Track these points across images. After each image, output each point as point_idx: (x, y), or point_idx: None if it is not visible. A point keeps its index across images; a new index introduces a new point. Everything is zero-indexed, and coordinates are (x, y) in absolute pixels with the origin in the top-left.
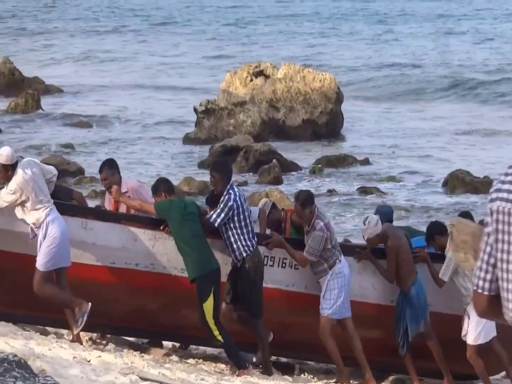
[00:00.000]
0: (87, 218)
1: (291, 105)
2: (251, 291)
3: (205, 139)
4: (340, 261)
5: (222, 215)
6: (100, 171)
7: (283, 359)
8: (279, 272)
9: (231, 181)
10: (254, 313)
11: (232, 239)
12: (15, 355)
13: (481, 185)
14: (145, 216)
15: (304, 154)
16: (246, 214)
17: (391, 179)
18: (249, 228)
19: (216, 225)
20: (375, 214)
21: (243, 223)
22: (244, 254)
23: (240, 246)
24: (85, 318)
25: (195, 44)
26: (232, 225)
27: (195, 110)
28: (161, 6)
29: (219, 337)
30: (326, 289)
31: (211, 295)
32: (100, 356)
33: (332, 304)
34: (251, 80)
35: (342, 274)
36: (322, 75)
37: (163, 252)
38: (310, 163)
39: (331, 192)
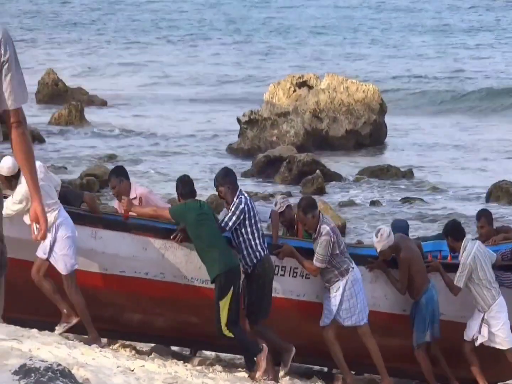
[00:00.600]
0: (96, 227)
1: (334, 115)
2: (258, 296)
3: (248, 149)
4: (353, 268)
5: (234, 218)
6: (109, 179)
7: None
8: (291, 281)
9: (239, 188)
10: (258, 317)
11: (243, 245)
12: (59, 364)
13: None
14: (155, 225)
15: (347, 165)
16: (257, 218)
17: (435, 189)
18: (260, 233)
19: (228, 229)
20: (391, 227)
21: (254, 228)
22: (255, 260)
23: (251, 252)
24: (66, 329)
25: (237, 54)
26: (243, 230)
27: (238, 120)
28: (204, 18)
29: (228, 333)
30: (343, 298)
31: (229, 293)
32: (143, 366)
33: (354, 312)
34: (294, 90)
35: (357, 282)
36: (366, 85)
37: (173, 261)
38: (353, 174)
39: (374, 203)
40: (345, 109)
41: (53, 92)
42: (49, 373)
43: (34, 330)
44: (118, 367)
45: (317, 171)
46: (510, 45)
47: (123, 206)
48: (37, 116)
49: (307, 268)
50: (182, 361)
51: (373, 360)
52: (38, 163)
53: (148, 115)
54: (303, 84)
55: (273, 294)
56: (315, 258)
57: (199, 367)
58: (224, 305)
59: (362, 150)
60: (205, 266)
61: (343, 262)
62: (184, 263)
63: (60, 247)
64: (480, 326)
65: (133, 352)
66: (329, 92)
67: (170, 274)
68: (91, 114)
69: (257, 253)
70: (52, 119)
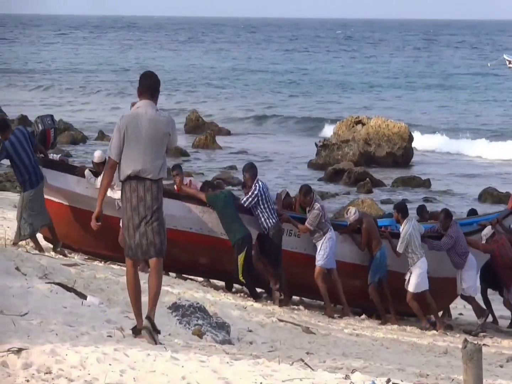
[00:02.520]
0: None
1: (379, 142)
2: (273, 249)
3: (322, 164)
4: (330, 230)
5: (250, 199)
6: (173, 169)
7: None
8: (287, 238)
9: (257, 177)
10: (275, 262)
11: (260, 216)
12: (198, 303)
13: (504, 198)
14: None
15: (387, 175)
16: (269, 199)
17: (444, 192)
18: (271, 208)
19: (245, 205)
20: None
21: (266, 205)
22: (269, 225)
23: (266, 220)
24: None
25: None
26: (259, 207)
27: (316, 145)
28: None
29: (242, 279)
30: (320, 248)
31: (244, 251)
32: (252, 305)
33: (324, 258)
34: (353, 126)
35: (332, 239)
36: (399, 124)
37: (208, 221)
38: (390, 181)
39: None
40: (386, 139)
41: (195, 125)
42: (191, 308)
43: (181, 280)
44: (235, 305)
45: (367, 179)
46: None
47: (177, 185)
48: (185, 140)
49: (300, 228)
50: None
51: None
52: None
53: (256, 142)
54: (358, 122)
55: None
56: (307, 221)
57: (288, 307)
58: (241, 259)
59: (396, 166)
60: (227, 235)
61: (325, 226)
62: (216, 223)
63: None
64: (409, 277)
65: (246, 295)
66: (375, 127)
67: (207, 229)
68: (220, 141)
69: (269, 221)
70: (195, 143)
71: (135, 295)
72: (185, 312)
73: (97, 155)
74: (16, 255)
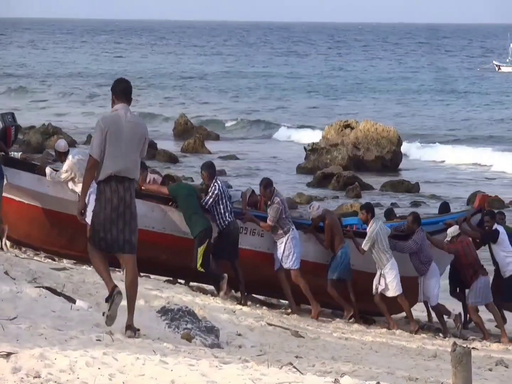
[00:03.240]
0: None
1: (368, 146)
2: (229, 246)
3: (310, 168)
4: (293, 229)
5: (211, 200)
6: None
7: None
8: (250, 238)
9: (215, 176)
10: (231, 258)
11: (218, 214)
12: (186, 307)
13: (492, 201)
14: (158, 195)
15: (375, 179)
16: (227, 198)
17: (432, 197)
18: (229, 208)
19: (207, 206)
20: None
21: (225, 204)
22: (224, 225)
23: (223, 218)
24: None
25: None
26: (217, 205)
27: (305, 148)
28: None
29: (201, 269)
30: (284, 249)
31: (205, 243)
32: (241, 309)
33: (291, 260)
34: (342, 130)
35: (295, 238)
36: (388, 127)
37: (171, 220)
38: (379, 185)
39: (393, 204)
40: (375, 142)
41: (184, 129)
42: (180, 312)
43: (170, 284)
44: (224, 309)
45: (356, 183)
46: None
47: (139, 183)
48: (174, 144)
49: (262, 226)
50: (265, 307)
51: (304, 292)
52: (78, 149)
53: (243, 147)
54: (347, 126)
55: (239, 246)
56: (268, 218)
57: (277, 311)
58: (201, 251)
59: (385, 170)
60: (188, 226)
61: (287, 224)
62: (179, 222)
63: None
64: (379, 279)
65: (234, 300)
66: (364, 131)
67: (169, 228)
68: (208, 145)
69: (227, 220)
70: (184, 147)
71: (106, 268)
72: (174, 316)
73: (62, 145)
74: (5, 259)
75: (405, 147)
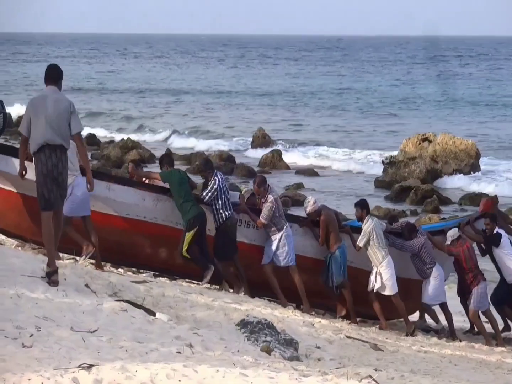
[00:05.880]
0: (110, 182)
1: (446, 159)
2: (228, 242)
3: (389, 181)
4: (287, 227)
5: (209, 194)
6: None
7: None
8: (245, 230)
9: (215, 171)
10: (231, 253)
11: (216, 210)
12: (266, 319)
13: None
14: (151, 184)
15: (454, 192)
16: (226, 193)
17: (510, 210)
18: (228, 202)
19: (205, 201)
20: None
21: (224, 199)
22: (223, 219)
23: (222, 212)
24: (87, 257)
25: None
26: (216, 200)
27: (383, 162)
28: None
29: (186, 254)
30: (278, 246)
31: (194, 230)
32: (320, 321)
33: (286, 257)
34: (420, 143)
35: (289, 236)
36: (466, 141)
37: (163, 209)
38: (457, 198)
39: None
40: (453, 155)
41: (261, 142)
42: (259, 325)
43: (247, 297)
44: (303, 322)
45: (434, 196)
46: None
47: (129, 170)
48: (253, 157)
49: (255, 222)
50: (345, 319)
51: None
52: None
53: (321, 158)
54: (425, 139)
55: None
56: (261, 215)
57: (354, 324)
58: (188, 237)
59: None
60: (180, 213)
61: (280, 222)
62: (170, 212)
63: (71, 199)
64: (375, 277)
65: (313, 312)
66: (442, 144)
67: (161, 218)
68: (286, 156)
69: (225, 215)
70: (261, 160)
71: (52, 242)
72: (253, 329)
73: None
74: (85, 272)
75: (482, 160)
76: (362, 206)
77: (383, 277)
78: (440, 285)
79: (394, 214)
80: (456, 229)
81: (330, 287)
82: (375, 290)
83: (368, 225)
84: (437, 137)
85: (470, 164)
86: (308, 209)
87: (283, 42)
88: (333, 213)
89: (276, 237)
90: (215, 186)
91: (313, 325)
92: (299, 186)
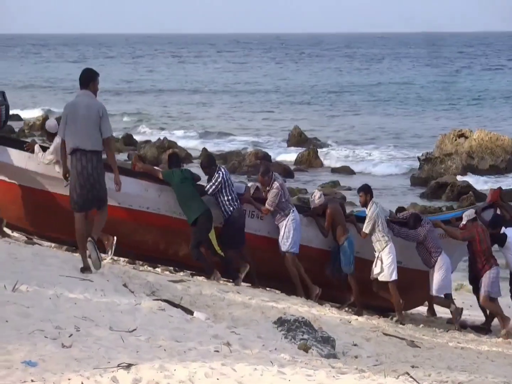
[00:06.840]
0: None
1: (482, 155)
2: (236, 233)
3: (425, 178)
4: (293, 211)
5: (213, 187)
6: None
7: None
8: (249, 220)
9: (218, 165)
10: (238, 245)
11: (221, 203)
12: (303, 318)
13: None
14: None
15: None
16: (231, 186)
17: None
18: (233, 195)
19: (209, 193)
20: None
21: (228, 192)
22: (229, 212)
23: (228, 205)
24: (113, 249)
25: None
26: (221, 193)
27: (419, 158)
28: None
29: (221, 253)
30: (284, 231)
31: (212, 228)
32: (357, 319)
33: (289, 243)
34: (456, 139)
35: (295, 221)
36: (503, 136)
37: (166, 200)
38: None
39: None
40: (489, 151)
41: (298, 140)
42: (296, 323)
43: (283, 294)
44: (340, 320)
45: (470, 192)
46: None
47: (133, 162)
48: (288, 155)
49: (261, 209)
50: (380, 316)
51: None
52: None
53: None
54: (461, 135)
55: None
56: (267, 202)
57: (391, 320)
58: (212, 235)
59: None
60: (184, 213)
61: (287, 207)
62: (174, 202)
63: None
64: (375, 262)
65: (350, 310)
66: (478, 140)
67: (164, 209)
68: (321, 155)
69: (231, 207)
70: (298, 158)
71: (83, 241)
72: (291, 327)
73: (52, 125)
74: (123, 272)
75: None
76: (366, 191)
77: (383, 262)
78: (446, 276)
79: (402, 206)
80: (473, 210)
81: (336, 278)
82: (373, 275)
83: (373, 210)
84: (473, 133)
85: (506, 159)
86: (316, 202)
87: (320, 39)
88: (339, 205)
89: (283, 224)
90: (219, 179)
91: (349, 322)
92: (335, 184)
